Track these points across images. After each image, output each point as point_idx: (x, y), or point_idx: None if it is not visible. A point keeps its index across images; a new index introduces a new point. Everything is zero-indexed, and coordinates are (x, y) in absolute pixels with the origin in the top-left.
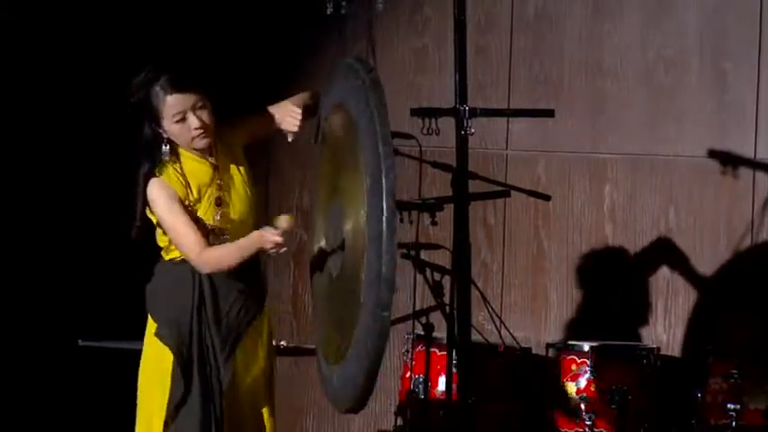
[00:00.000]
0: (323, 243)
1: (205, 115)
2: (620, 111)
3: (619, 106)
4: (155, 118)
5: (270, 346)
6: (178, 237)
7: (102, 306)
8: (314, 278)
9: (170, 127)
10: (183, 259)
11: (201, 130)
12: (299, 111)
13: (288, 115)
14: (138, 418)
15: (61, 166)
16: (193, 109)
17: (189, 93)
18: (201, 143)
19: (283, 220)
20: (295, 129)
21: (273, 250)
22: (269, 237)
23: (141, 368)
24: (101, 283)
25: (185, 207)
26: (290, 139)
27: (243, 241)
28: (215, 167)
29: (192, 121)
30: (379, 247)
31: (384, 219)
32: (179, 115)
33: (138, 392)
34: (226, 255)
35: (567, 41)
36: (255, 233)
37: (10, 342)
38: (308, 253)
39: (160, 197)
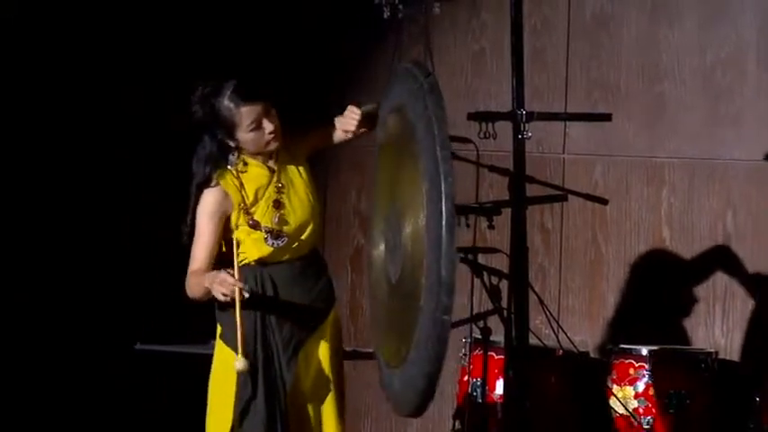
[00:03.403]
0: (382, 247)
1: (275, 118)
2: (677, 114)
3: (676, 110)
4: (227, 129)
5: (336, 350)
6: (193, 246)
7: (158, 310)
8: (372, 283)
9: (245, 136)
10: (247, 263)
11: (275, 134)
12: (359, 111)
13: (346, 115)
14: (207, 420)
15: (117, 167)
16: (266, 114)
17: (259, 100)
18: (275, 145)
19: (239, 362)
20: (351, 128)
21: (220, 295)
22: (222, 277)
23: (211, 371)
24: (158, 286)
25: (220, 230)
26: (347, 137)
27: (206, 274)
28: (273, 171)
29: (267, 125)
30: (438, 252)
31: (444, 223)
32: (254, 124)
33: (209, 395)
34: (192, 282)
35: (625, 45)
36: (213, 272)
37: (67, 346)
38: (367, 256)
39: (206, 205)
